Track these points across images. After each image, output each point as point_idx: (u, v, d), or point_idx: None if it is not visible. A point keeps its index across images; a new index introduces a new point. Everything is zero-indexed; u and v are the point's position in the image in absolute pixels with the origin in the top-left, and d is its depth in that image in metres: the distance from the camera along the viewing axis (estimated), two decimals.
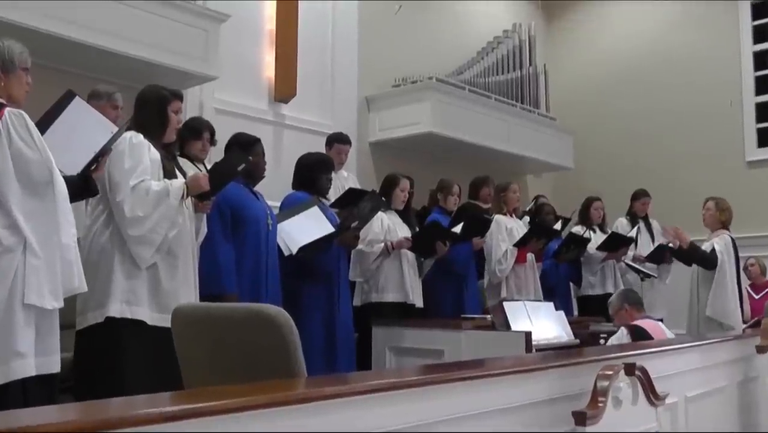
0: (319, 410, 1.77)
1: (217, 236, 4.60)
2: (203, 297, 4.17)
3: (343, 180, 6.88)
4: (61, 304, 3.29)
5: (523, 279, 6.85)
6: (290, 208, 5.28)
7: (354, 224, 5.30)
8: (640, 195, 8.33)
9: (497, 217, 6.86)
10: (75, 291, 3.40)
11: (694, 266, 7.07)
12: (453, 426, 2.14)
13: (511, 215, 7.11)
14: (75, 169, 3.63)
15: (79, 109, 3.77)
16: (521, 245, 6.75)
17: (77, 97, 3.79)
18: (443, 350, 5.10)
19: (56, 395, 3.41)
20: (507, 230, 6.84)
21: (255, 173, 4.99)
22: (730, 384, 4.12)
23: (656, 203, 8.45)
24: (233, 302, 4.38)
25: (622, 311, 5.15)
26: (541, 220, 7.57)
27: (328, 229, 5.17)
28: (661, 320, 5.64)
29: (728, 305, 6.75)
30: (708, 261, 6.86)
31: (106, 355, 3.79)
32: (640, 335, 4.56)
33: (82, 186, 3.69)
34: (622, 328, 4.75)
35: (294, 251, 5.02)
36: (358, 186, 6.61)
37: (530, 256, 6.96)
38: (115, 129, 3.81)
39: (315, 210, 5.26)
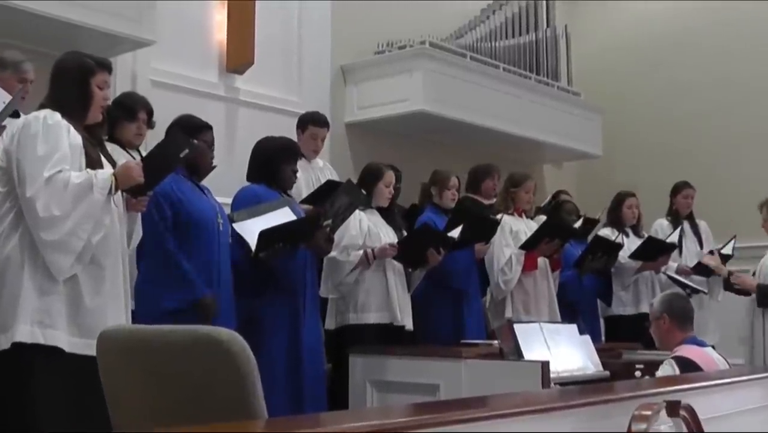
0: None
1: (168, 239, 4.69)
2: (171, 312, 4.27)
3: (318, 171, 6.81)
4: None
5: (532, 295, 6.86)
6: (252, 206, 5.23)
7: (327, 222, 5.28)
8: (681, 188, 8.34)
9: (503, 217, 6.89)
10: None
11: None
12: None
13: (520, 216, 7.12)
14: None
15: None
16: (529, 247, 6.77)
17: None
18: (438, 385, 5.11)
19: None
20: (512, 233, 6.85)
21: (200, 166, 4.98)
22: None
23: (705, 200, 8.49)
24: (211, 305, 4.65)
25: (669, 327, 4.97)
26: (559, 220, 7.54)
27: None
28: (713, 347, 5.61)
29: None
30: None
31: (13, 390, 3.78)
32: (686, 370, 4.53)
33: None
34: (672, 360, 4.69)
35: (252, 246, 4.96)
36: (337, 178, 6.58)
37: (543, 263, 6.97)
38: (8, 98, 3.71)
39: (286, 212, 5.22)
